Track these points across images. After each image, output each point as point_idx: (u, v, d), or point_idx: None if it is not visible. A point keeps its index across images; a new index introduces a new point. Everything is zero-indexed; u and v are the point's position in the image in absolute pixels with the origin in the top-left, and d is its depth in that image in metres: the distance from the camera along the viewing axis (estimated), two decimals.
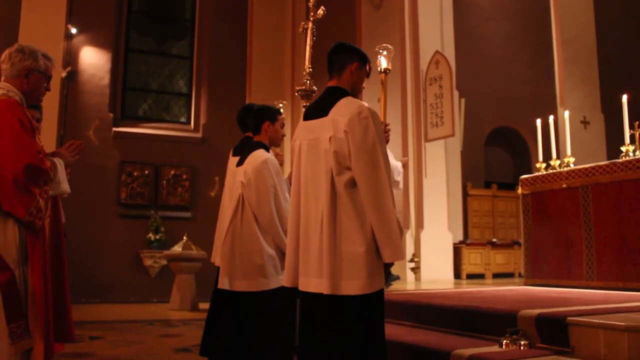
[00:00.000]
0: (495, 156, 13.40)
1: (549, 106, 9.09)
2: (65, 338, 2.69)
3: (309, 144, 2.56)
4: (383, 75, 4.17)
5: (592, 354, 2.82)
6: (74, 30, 10.71)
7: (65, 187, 2.66)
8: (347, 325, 2.37)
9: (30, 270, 2.44)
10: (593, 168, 5.08)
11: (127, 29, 11.62)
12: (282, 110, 3.90)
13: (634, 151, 4.84)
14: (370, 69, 2.73)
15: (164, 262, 10.09)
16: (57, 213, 2.70)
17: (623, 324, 2.74)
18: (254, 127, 3.60)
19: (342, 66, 2.61)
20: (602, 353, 2.79)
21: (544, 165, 5.71)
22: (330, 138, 2.43)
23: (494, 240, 10.49)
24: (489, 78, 12.55)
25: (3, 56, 2.67)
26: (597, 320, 2.86)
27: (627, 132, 4.91)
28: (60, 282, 2.66)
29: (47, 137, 9.08)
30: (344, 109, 2.46)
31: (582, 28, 9.64)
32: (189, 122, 11.96)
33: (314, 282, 2.44)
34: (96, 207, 10.34)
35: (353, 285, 2.34)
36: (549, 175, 5.55)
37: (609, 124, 9.10)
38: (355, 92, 2.65)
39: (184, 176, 11.33)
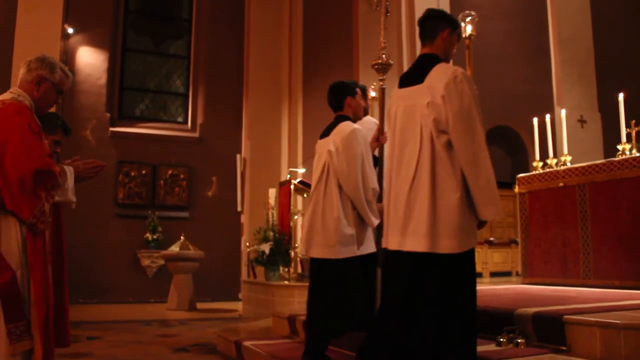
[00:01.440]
0: (493, 155, 13.33)
1: (546, 105, 9.09)
2: (61, 342, 2.68)
3: (404, 110, 2.60)
4: (468, 40, 4.28)
5: (588, 352, 2.83)
6: (70, 30, 10.69)
7: (72, 197, 2.66)
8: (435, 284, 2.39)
9: (31, 272, 2.44)
10: (590, 167, 5.09)
11: (124, 28, 11.60)
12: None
13: (630, 150, 4.84)
14: (460, 33, 2.76)
15: (162, 262, 10.08)
16: (58, 218, 2.69)
17: (619, 322, 2.75)
18: (337, 104, 3.67)
19: (434, 33, 2.64)
20: (598, 351, 2.80)
21: (541, 164, 5.72)
22: (427, 104, 2.47)
23: (491, 239, 10.48)
24: (486, 77, 12.53)
25: (24, 62, 2.68)
26: (593, 319, 2.87)
27: (623, 131, 4.92)
28: (59, 286, 2.65)
29: None
30: (439, 75, 2.49)
31: (579, 28, 9.63)
32: (186, 122, 11.94)
33: (401, 240, 2.48)
34: (93, 207, 10.31)
35: (446, 244, 2.37)
36: (546, 174, 5.56)
37: (606, 122, 9.10)
38: (448, 58, 2.68)
39: (182, 176, 11.32)
